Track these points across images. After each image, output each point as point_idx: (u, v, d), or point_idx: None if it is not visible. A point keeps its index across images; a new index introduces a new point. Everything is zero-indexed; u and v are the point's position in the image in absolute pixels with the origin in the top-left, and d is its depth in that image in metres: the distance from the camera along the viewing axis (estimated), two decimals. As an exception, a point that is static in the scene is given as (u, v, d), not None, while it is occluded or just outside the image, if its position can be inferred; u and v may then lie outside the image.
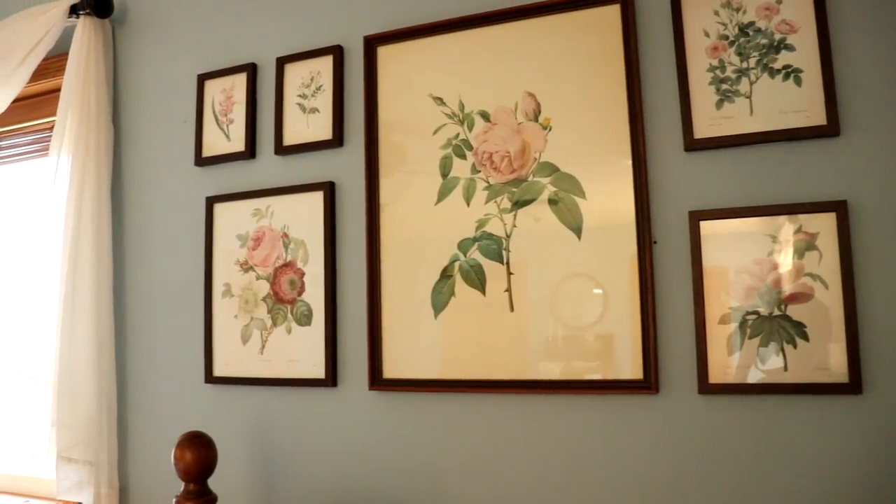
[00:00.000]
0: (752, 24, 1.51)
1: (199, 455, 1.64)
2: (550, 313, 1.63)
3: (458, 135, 1.75)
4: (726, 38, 1.53)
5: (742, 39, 1.52)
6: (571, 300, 1.62)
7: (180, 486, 1.65)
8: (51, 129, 2.27)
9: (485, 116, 1.72)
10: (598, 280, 1.59)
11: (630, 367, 1.55)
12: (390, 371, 1.77)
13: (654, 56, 1.60)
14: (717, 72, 1.53)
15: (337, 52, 1.91)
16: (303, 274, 1.89)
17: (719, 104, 1.52)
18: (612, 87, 1.61)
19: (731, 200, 1.50)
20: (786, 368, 1.42)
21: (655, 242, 1.55)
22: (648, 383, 1.52)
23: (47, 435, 2.08)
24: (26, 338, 2.28)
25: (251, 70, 2.04)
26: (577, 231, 1.61)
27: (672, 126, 1.56)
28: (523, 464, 1.64)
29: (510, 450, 1.65)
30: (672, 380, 1.52)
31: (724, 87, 1.52)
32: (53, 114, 2.24)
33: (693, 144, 1.53)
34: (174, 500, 1.64)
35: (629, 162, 1.58)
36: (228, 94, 2.06)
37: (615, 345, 1.58)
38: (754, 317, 1.45)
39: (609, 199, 1.59)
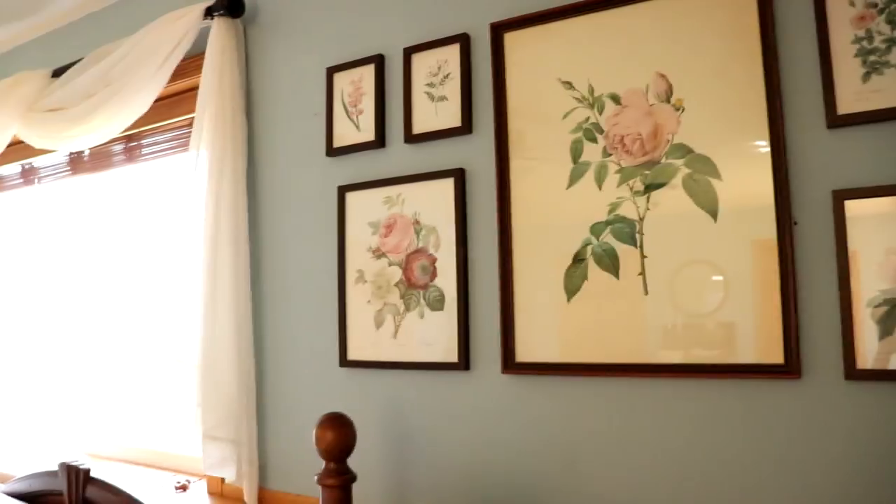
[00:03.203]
0: (905, -12, 1.42)
1: (339, 434, 1.70)
2: (683, 297, 1.60)
3: (588, 118, 1.73)
4: (875, 5, 1.44)
5: (894, 6, 1.42)
6: (701, 284, 1.59)
7: (317, 463, 1.72)
8: (189, 125, 2.39)
9: (615, 99, 1.70)
10: (724, 265, 1.56)
11: (754, 353, 1.51)
12: (523, 355, 1.77)
13: (793, 29, 1.53)
14: (864, 43, 1.45)
15: (463, 41, 1.92)
16: (434, 259, 1.92)
17: (866, 77, 1.44)
18: (747, 64, 1.56)
19: (880, 178, 1.42)
20: (944, 354, 1.35)
21: (796, 223, 1.50)
22: (790, 368, 1.46)
23: (193, 415, 2.20)
24: (173, 324, 2.41)
25: (379, 61, 2.08)
26: (713, 213, 1.57)
27: (813, 102, 1.50)
28: (658, 449, 1.62)
29: (645, 434, 1.64)
30: (815, 365, 1.46)
31: (872, 58, 1.44)
32: (191, 111, 2.35)
33: (836, 121, 1.46)
34: (316, 477, 1.70)
35: (767, 141, 1.52)
36: (357, 85, 2.11)
37: (737, 330, 1.54)
38: (907, 300, 1.39)
39: (746, 179, 1.55)
